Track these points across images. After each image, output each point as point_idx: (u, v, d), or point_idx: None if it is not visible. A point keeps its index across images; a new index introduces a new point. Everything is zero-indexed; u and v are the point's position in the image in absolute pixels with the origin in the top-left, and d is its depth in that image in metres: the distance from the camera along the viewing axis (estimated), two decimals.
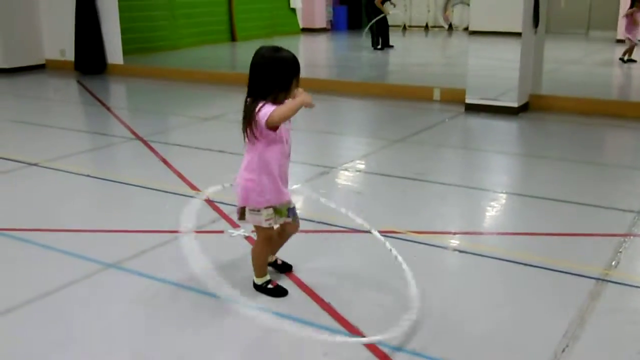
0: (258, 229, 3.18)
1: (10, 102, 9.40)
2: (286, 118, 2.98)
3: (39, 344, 2.86)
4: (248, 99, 3.05)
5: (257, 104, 2.98)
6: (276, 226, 3.20)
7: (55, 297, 3.25)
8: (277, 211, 3.10)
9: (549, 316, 3.08)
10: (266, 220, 3.08)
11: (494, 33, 7.64)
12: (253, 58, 3.05)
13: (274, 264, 3.45)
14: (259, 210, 3.08)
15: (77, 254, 3.75)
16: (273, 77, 3.00)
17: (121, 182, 5.15)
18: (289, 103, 2.99)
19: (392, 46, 14.23)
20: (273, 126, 2.97)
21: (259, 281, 3.26)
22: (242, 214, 3.16)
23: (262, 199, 3.07)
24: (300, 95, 3.01)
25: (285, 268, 3.47)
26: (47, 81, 10.89)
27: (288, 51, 3.06)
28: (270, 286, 3.25)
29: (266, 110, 2.94)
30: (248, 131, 3.03)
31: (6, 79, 10.77)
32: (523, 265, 3.60)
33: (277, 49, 3.07)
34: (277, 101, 3.00)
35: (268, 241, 3.23)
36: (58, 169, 5.52)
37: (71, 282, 3.39)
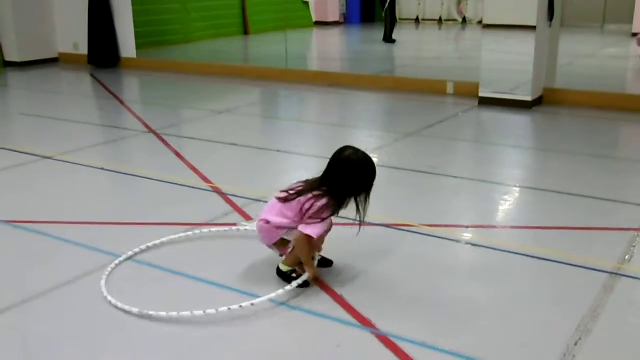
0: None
1: (24, 95, 9.46)
2: (302, 251, 3.17)
3: (54, 336, 2.88)
4: (322, 188, 3.16)
5: (322, 198, 3.13)
6: None
7: (69, 289, 3.28)
8: None
9: (562, 310, 3.06)
10: None
11: (508, 26, 7.59)
12: (349, 155, 3.19)
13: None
14: None
15: (91, 246, 3.77)
16: (360, 184, 3.15)
17: (134, 175, 5.18)
18: (311, 262, 3.24)
19: (394, 40, 14.10)
20: (297, 242, 3.16)
21: (285, 268, 3.27)
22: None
23: None
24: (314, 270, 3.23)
25: (326, 263, 3.50)
26: (61, 75, 10.94)
27: None
28: (294, 275, 3.26)
29: (313, 231, 3.11)
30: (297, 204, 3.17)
31: (20, 72, 10.84)
32: (536, 259, 3.59)
33: (368, 157, 3.21)
34: (339, 205, 3.15)
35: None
36: (71, 162, 5.56)
37: (85, 274, 3.41)
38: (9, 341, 2.84)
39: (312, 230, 3.12)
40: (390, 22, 13.97)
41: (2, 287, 3.33)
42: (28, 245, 3.90)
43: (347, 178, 3.15)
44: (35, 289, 3.27)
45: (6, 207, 4.51)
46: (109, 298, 3.10)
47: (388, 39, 13.91)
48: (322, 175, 3.22)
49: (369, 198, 3.21)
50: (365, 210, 3.20)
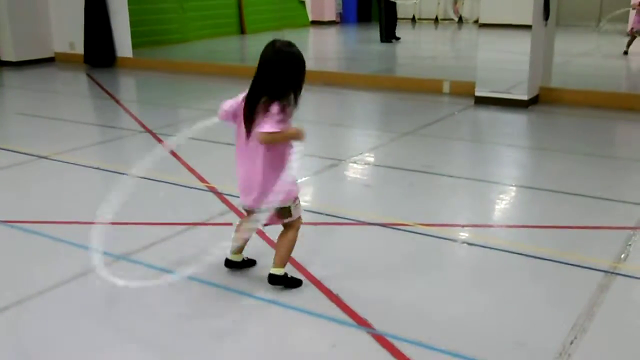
0: (293, 222, 3.18)
1: (20, 95, 9.43)
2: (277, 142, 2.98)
3: (51, 335, 2.88)
4: (263, 98, 2.96)
5: (272, 104, 2.93)
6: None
7: (66, 289, 3.27)
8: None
9: (557, 309, 3.07)
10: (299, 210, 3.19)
11: (504, 25, 7.59)
12: (268, 53, 2.98)
13: (241, 262, 3.41)
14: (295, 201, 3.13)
15: (87, 246, 3.76)
16: (292, 75, 2.97)
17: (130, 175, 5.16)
18: (288, 131, 2.99)
19: (398, 38, 14.14)
20: (265, 142, 2.96)
21: (281, 271, 3.19)
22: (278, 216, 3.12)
23: (295, 189, 3.12)
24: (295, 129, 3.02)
25: (250, 264, 3.45)
26: (57, 74, 10.92)
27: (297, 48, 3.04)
28: (289, 276, 3.23)
29: (271, 125, 2.91)
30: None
31: (16, 72, 10.81)
32: (532, 258, 3.60)
33: (292, 44, 3.02)
34: (288, 105, 2.97)
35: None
36: (67, 162, 5.55)
37: (81, 274, 3.41)
38: (5, 340, 2.83)
39: (270, 126, 2.91)
40: (391, 20, 13.96)
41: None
42: (25, 245, 3.89)
43: (288, 72, 2.96)
44: (32, 289, 3.26)
45: (3, 206, 4.50)
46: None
47: (386, 38, 13.90)
48: (257, 83, 2.98)
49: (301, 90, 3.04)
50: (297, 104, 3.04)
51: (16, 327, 2.95)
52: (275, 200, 2.89)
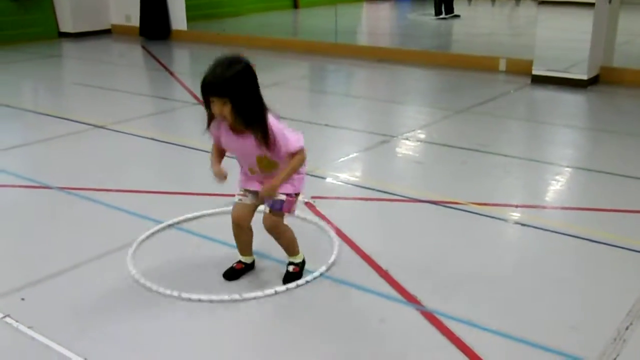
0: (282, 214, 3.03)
1: (78, 66, 9.64)
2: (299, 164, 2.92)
3: (102, 299, 2.95)
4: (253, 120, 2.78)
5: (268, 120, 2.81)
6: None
7: (119, 255, 3.34)
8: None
9: (613, 293, 2.99)
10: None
11: (565, 3, 7.37)
12: (239, 66, 2.77)
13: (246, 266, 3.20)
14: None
15: (140, 214, 3.84)
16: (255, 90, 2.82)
17: (183, 146, 5.23)
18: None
19: (457, 15, 13.90)
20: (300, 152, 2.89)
21: (299, 259, 3.14)
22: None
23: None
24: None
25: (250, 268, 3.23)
26: (113, 46, 11.09)
27: None
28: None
29: (296, 136, 2.87)
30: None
31: (74, 43, 11.03)
32: (587, 241, 3.51)
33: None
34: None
35: None
36: (123, 132, 5.65)
37: (134, 241, 3.47)
38: (61, 304, 2.92)
39: (298, 138, 2.87)
40: None
41: (56, 252, 3.42)
42: (82, 211, 3.98)
43: (254, 85, 2.81)
44: (86, 254, 3.35)
45: (61, 174, 4.62)
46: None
47: (445, 12, 13.65)
48: (238, 109, 2.74)
49: None
50: None
51: (72, 290, 3.04)
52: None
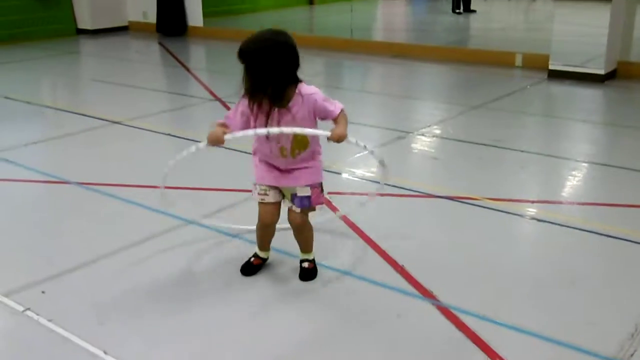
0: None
1: (96, 62, 9.71)
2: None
3: (121, 293, 2.99)
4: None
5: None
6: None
7: (137, 250, 3.38)
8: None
9: (630, 289, 2.99)
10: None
11: None
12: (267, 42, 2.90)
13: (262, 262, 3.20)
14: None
15: (157, 209, 3.87)
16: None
17: (200, 142, 5.24)
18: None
19: (474, 10, 13.85)
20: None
21: (312, 255, 3.14)
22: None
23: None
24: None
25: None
26: (130, 42, 11.17)
27: None
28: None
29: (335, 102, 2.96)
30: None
31: (91, 39, 11.12)
32: (603, 237, 3.50)
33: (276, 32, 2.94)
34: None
35: None
36: (140, 128, 5.70)
37: (152, 236, 3.50)
38: (80, 297, 2.95)
39: (337, 103, 2.97)
40: None
41: (75, 246, 3.46)
42: (100, 206, 4.03)
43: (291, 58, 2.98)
44: (105, 249, 3.39)
45: (79, 169, 4.67)
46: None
47: (463, 9, 13.61)
48: (276, 79, 2.91)
49: None
50: None
51: (91, 283, 3.07)
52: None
